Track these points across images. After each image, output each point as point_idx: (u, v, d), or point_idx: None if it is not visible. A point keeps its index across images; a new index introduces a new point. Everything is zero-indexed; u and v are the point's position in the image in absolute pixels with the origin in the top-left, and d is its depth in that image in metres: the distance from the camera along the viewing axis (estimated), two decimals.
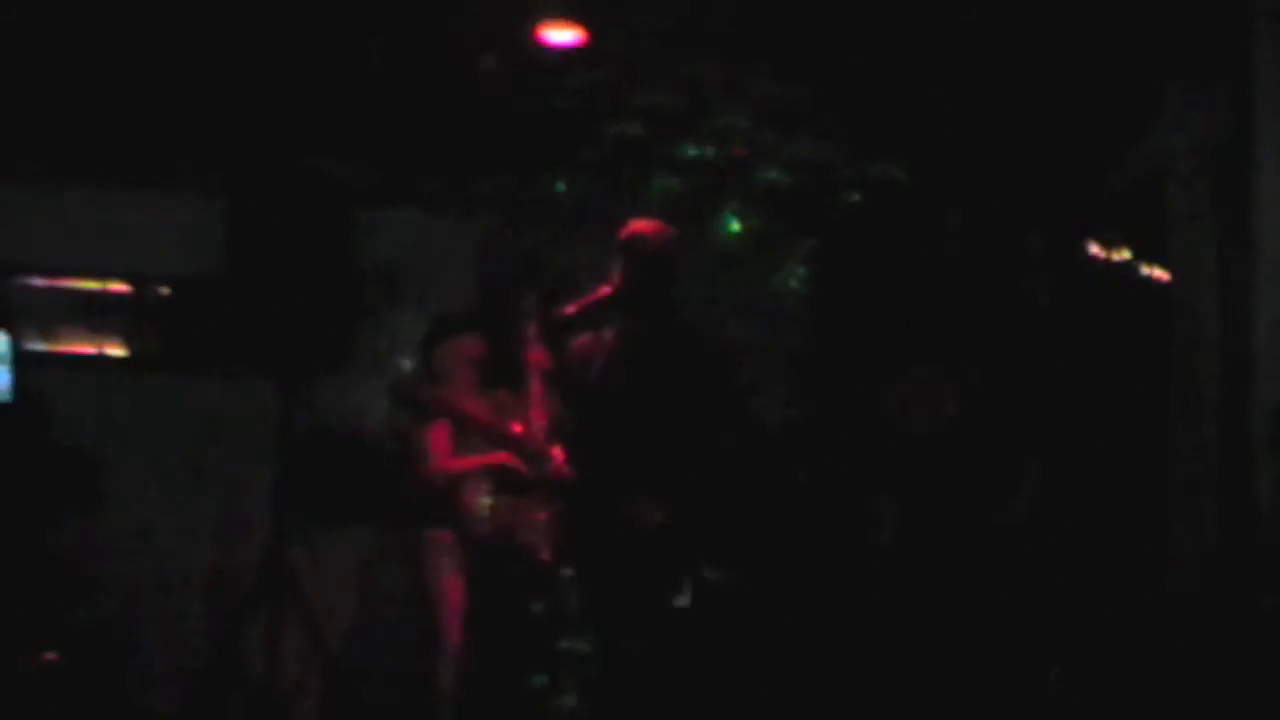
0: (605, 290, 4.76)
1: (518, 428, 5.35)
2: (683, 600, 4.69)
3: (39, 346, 6.49)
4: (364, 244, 6.39)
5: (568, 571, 5.10)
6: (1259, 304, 4.31)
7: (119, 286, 6.64)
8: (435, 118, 6.46)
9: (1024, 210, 6.58)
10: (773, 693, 5.66)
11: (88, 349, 6.60)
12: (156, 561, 6.36)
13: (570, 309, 4.73)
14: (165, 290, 6.62)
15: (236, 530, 6.42)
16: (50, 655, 5.20)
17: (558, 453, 5.03)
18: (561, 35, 5.89)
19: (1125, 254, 6.04)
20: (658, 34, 6.06)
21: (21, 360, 6.06)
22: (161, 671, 6.17)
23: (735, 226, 7.44)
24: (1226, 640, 4.63)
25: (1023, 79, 6.18)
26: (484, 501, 5.63)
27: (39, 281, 6.60)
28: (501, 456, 5.42)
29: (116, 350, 6.60)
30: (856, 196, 7.35)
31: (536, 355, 5.22)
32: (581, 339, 4.94)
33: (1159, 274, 5.96)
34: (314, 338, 6.12)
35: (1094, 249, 6.03)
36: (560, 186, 6.72)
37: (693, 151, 6.93)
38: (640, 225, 4.95)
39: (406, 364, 6.29)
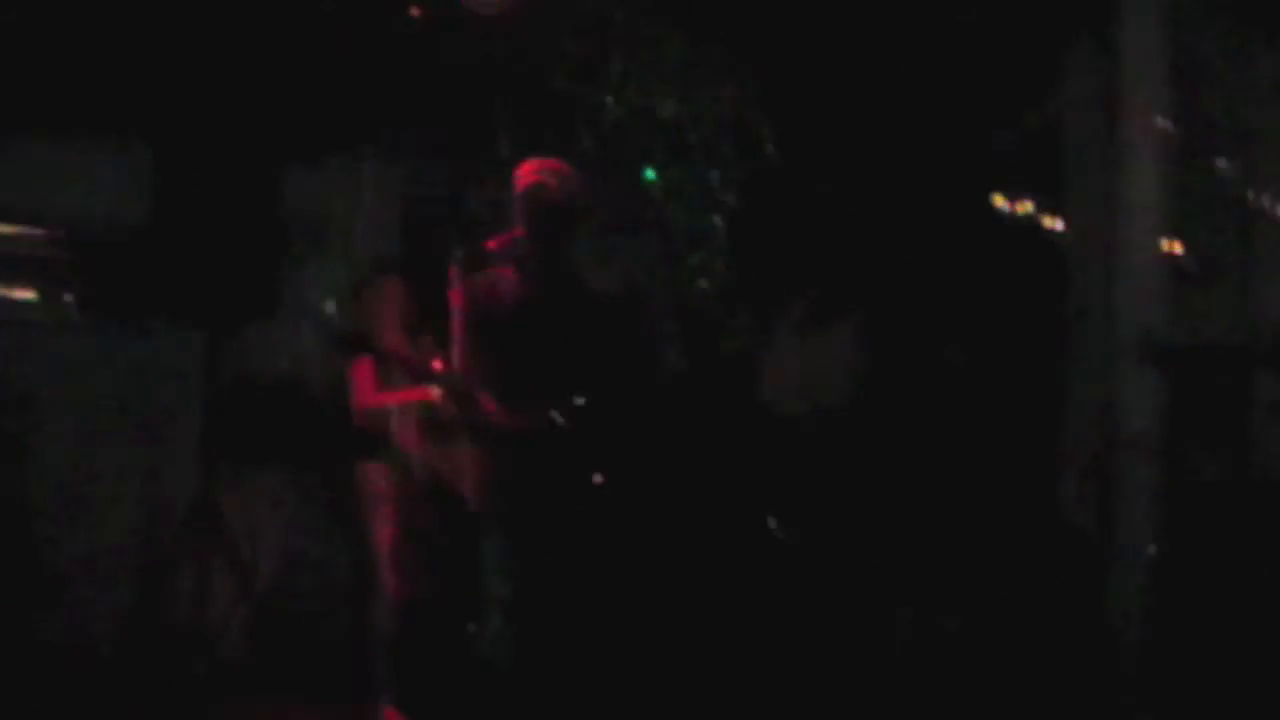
0: (520, 232, 4.81)
1: (439, 364, 5.47)
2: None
3: None
4: (290, 192, 6.49)
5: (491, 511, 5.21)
6: (1123, 239, 4.61)
7: (39, 234, 6.62)
8: (360, 66, 6.54)
9: (930, 165, 6.76)
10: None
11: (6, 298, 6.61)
12: (86, 508, 6.42)
13: (491, 244, 4.82)
14: (89, 239, 6.62)
15: (164, 477, 6.49)
16: None
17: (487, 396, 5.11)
18: None
19: (1028, 207, 6.26)
20: None
21: None
22: (92, 613, 6.24)
23: (652, 175, 7.63)
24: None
25: (927, 32, 6.36)
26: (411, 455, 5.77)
27: None
28: (424, 393, 5.52)
29: (35, 299, 6.61)
30: (772, 149, 7.56)
31: (459, 297, 5.34)
32: (489, 276, 4.94)
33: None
34: (240, 285, 6.21)
35: (999, 202, 6.24)
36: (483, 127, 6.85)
37: (610, 99, 7.09)
38: (531, 172, 4.87)
39: (331, 308, 6.40)
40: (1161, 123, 4.49)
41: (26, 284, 6.53)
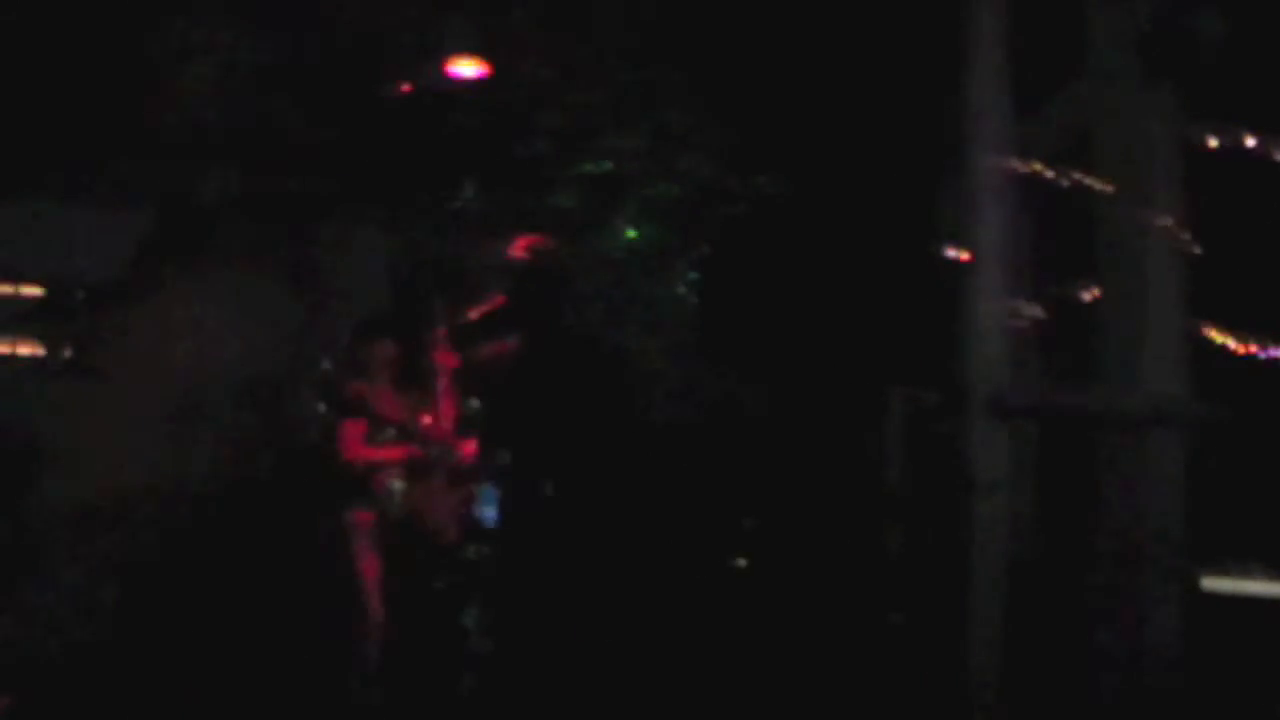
0: (502, 300, 5.31)
1: (427, 420, 5.94)
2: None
3: None
4: (287, 255, 6.93)
5: (471, 550, 5.64)
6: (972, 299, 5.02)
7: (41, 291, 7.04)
8: (356, 140, 7.00)
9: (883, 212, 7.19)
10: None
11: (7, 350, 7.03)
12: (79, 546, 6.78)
13: (472, 314, 5.30)
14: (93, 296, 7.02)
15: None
16: None
17: (467, 445, 5.57)
18: (467, 69, 6.48)
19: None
20: (555, 66, 6.64)
21: None
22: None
23: (632, 234, 8.10)
24: None
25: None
26: (394, 485, 6.18)
27: None
28: (406, 450, 6.00)
29: (36, 351, 7.01)
30: (741, 207, 8.04)
31: (444, 356, 5.83)
32: (490, 345, 5.47)
33: None
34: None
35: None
36: (469, 194, 7.31)
37: (588, 167, 7.56)
38: (524, 243, 5.39)
39: (327, 364, 6.80)
40: (1005, 181, 4.82)
41: (24, 337, 6.96)
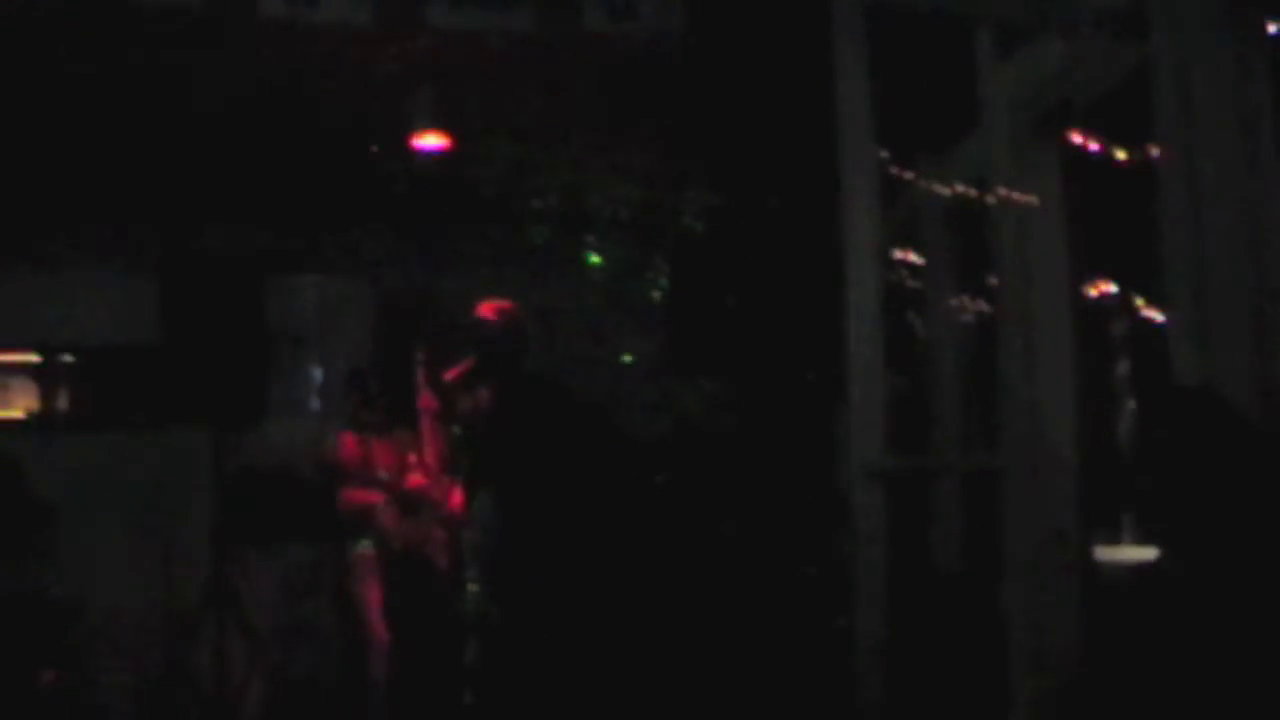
0: (472, 362, 5.84)
1: (413, 459, 6.54)
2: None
3: None
4: (274, 308, 7.45)
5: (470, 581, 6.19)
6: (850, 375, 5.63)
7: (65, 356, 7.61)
8: (331, 195, 7.52)
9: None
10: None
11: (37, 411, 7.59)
12: (114, 592, 7.33)
13: (449, 375, 5.83)
14: (105, 357, 7.57)
15: (182, 560, 7.42)
16: (48, 675, 6.18)
17: (453, 491, 6.12)
18: (430, 141, 7.03)
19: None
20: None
21: None
22: (125, 686, 7.16)
23: (595, 259, 8.65)
24: None
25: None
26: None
27: None
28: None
29: (63, 412, 7.56)
30: (699, 225, 8.59)
31: (426, 400, 6.38)
32: (469, 399, 5.99)
33: None
34: (237, 392, 7.14)
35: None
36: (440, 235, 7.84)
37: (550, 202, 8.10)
38: (480, 312, 5.86)
39: (315, 406, 7.35)
40: (877, 277, 5.41)
41: (49, 400, 7.52)
